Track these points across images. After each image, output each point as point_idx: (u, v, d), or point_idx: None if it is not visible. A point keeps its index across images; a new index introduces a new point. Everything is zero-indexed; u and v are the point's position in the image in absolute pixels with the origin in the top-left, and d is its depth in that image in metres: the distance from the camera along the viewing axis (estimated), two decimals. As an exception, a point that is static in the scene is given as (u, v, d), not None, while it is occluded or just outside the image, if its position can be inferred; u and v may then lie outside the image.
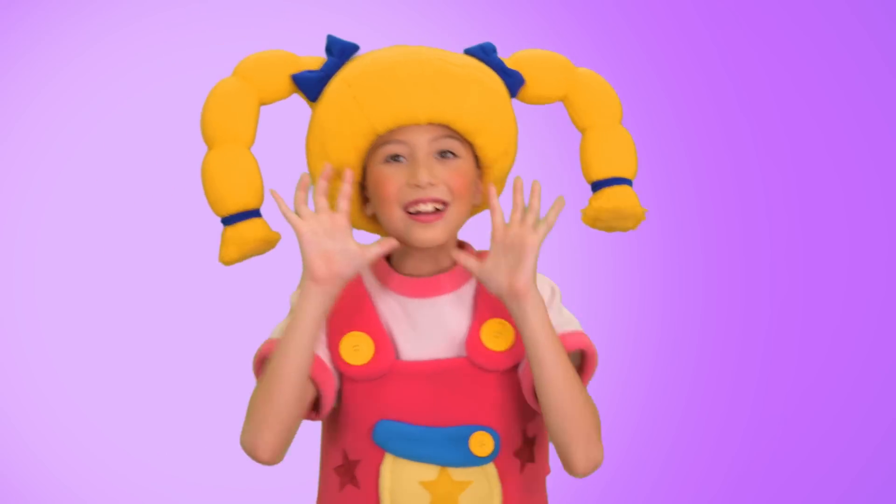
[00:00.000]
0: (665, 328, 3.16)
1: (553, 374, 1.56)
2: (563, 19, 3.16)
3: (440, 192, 1.60)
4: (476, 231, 1.72)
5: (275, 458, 1.60)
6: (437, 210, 1.60)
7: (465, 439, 1.62)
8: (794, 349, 3.18)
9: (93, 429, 3.18)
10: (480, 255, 1.66)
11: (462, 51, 1.70)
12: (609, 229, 1.74)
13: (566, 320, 1.66)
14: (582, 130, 1.73)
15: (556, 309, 1.65)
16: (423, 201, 1.59)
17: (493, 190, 1.61)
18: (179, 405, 3.18)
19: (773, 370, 3.18)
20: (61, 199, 3.22)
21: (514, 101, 1.72)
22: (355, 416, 1.65)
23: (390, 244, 1.60)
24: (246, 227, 1.65)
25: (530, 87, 1.71)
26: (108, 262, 3.22)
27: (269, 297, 3.24)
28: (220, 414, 3.17)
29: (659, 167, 3.14)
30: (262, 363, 1.68)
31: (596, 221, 1.72)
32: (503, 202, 1.63)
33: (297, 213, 1.58)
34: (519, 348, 1.63)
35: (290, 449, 1.64)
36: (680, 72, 3.16)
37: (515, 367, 1.64)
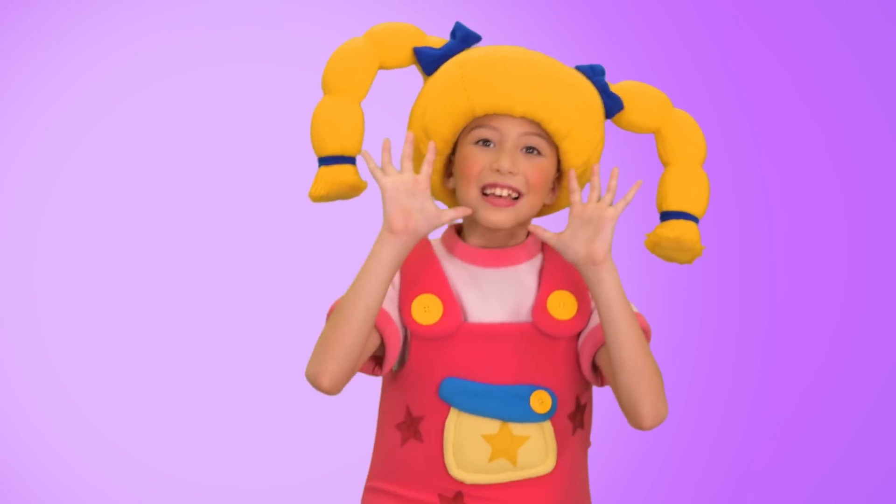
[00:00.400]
0: (665, 328, 3.16)
1: (627, 335, 1.68)
2: (563, 19, 3.16)
3: (517, 182, 1.71)
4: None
5: (335, 388, 1.69)
6: (512, 198, 1.71)
7: (527, 397, 1.73)
8: (794, 349, 3.18)
9: (93, 429, 3.18)
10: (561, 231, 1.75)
11: (574, 66, 1.80)
12: (666, 258, 1.85)
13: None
14: (665, 164, 1.85)
15: None
16: (501, 186, 1.71)
17: (573, 173, 1.71)
18: (179, 405, 3.18)
19: (773, 370, 3.18)
20: (61, 199, 3.22)
21: (610, 123, 1.83)
22: (422, 373, 1.75)
23: (465, 210, 1.71)
24: (339, 170, 1.75)
25: (628, 114, 1.83)
26: (107, 261, 3.22)
27: (270, 296, 3.24)
28: (220, 414, 3.17)
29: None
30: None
31: (656, 247, 1.83)
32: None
33: (383, 170, 1.68)
34: (580, 319, 1.75)
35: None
36: (680, 72, 3.16)
37: (575, 337, 1.76)
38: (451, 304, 1.74)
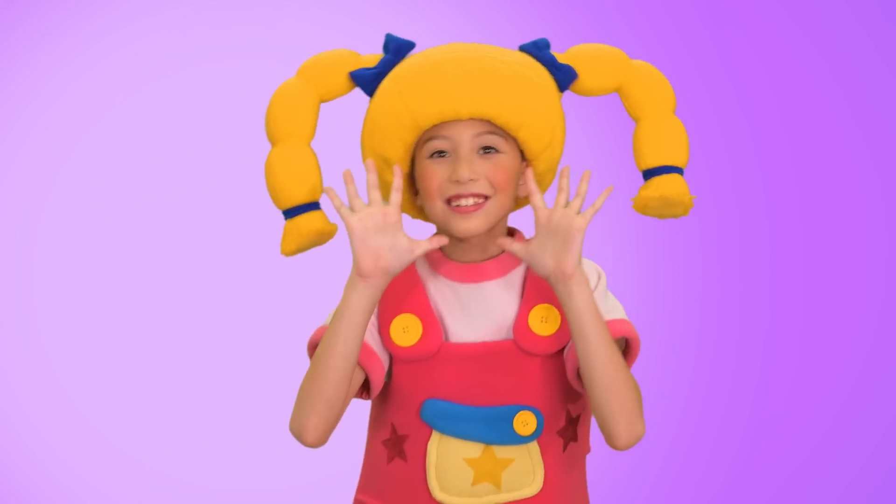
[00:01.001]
0: (665, 328, 3.16)
1: (597, 351, 1.62)
2: (563, 19, 3.16)
3: (481, 187, 1.65)
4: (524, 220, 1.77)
5: (320, 442, 1.67)
6: (478, 203, 1.65)
7: (510, 419, 1.68)
8: (794, 349, 3.18)
9: (93, 429, 3.18)
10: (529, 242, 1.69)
11: (517, 47, 1.74)
12: (660, 216, 1.77)
13: (611, 307, 1.71)
14: (636, 120, 1.76)
15: (601, 294, 1.70)
16: (464, 196, 1.65)
17: (530, 173, 1.66)
18: (179, 405, 3.18)
19: (773, 370, 3.18)
20: (61, 199, 3.22)
21: (571, 93, 1.76)
22: (404, 394, 1.71)
23: (440, 241, 1.66)
24: (304, 220, 1.71)
25: (585, 80, 1.75)
26: (108, 262, 3.22)
27: (270, 296, 3.24)
28: (220, 414, 3.17)
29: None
30: (314, 349, 1.72)
31: (645, 209, 1.75)
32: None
33: (350, 206, 1.63)
34: (564, 333, 1.68)
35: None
36: (680, 72, 3.16)
37: (561, 351, 1.70)
38: (431, 324, 1.69)
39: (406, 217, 1.73)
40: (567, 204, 1.62)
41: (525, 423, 1.68)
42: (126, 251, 3.21)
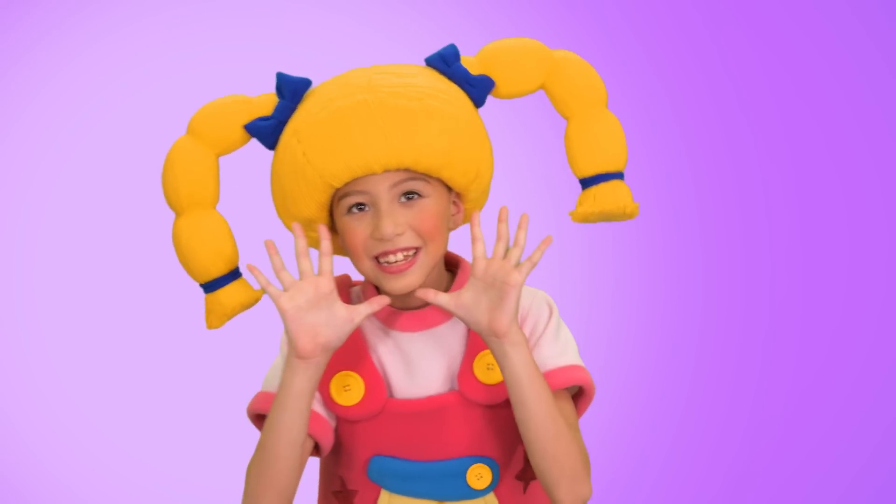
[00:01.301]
0: (665, 328, 3.16)
1: (536, 416, 1.50)
2: (563, 19, 3.16)
3: (408, 240, 1.51)
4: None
5: None
6: (408, 257, 1.52)
7: (462, 473, 1.57)
8: (794, 349, 3.18)
9: (93, 429, 3.18)
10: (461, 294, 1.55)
11: (424, 60, 1.60)
12: (603, 221, 1.63)
13: (562, 348, 1.59)
14: (566, 119, 1.61)
15: (552, 332, 1.59)
16: (392, 252, 1.51)
17: (476, 218, 1.52)
18: (179, 405, 3.18)
19: (773, 370, 3.18)
20: (61, 199, 3.21)
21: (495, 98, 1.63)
22: (350, 452, 1.61)
23: (381, 302, 1.53)
24: (225, 295, 1.62)
25: (503, 86, 1.59)
26: (107, 262, 3.22)
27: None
28: (220, 414, 3.17)
29: (659, 167, 3.13)
30: (257, 418, 1.63)
31: (586, 221, 1.61)
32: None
33: (279, 279, 1.51)
34: None
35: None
36: (680, 72, 3.16)
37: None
38: (374, 381, 1.56)
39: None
40: (506, 254, 1.49)
41: (479, 476, 1.58)
42: (126, 251, 3.21)
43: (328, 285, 1.49)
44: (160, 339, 3.21)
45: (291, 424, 1.51)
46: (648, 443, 3.10)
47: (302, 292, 1.49)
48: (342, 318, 1.49)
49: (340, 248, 1.61)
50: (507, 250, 1.50)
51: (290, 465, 1.52)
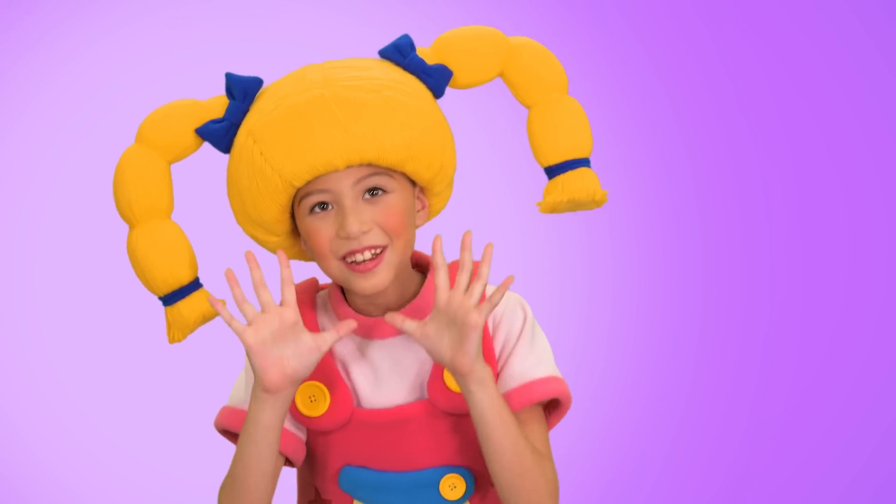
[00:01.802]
0: (665, 328, 3.16)
1: (500, 452, 1.45)
2: (563, 19, 3.16)
3: (374, 238, 1.46)
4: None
5: None
6: (375, 255, 1.47)
7: (435, 484, 1.53)
8: (793, 349, 3.18)
9: (93, 429, 3.18)
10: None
11: (377, 52, 1.56)
12: (572, 211, 1.58)
13: (537, 358, 1.54)
14: (527, 108, 1.57)
15: (527, 340, 1.54)
16: (359, 251, 1.46)
17: (437, 245, 1.45)
18: (180, 405, 3.18)
19: (773, 370, 3.18)
20: (61, 199, 3.21)
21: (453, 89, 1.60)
22: (322, 462, 1.57)
23: (347, 327, 1.48)
24: (186, 307, 1.58)
25: (461, 75, 1.55)
26: (107, 262, 3.22)
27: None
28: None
29: (659, 167, 3.13)
30: (226, 434, 1.60)
31: (554, 211, 1.56)
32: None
33: (241, 311, 1.46)
34: None
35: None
36: (680, 72, 3.16)
37: None
38: (340, 391, 1.51)
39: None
40: (468, 287, 1.42)
41: (453, 486, 1.52)
42: (126, 251, 3.21)
43: (293, 316, 1.45)
44: (160, 339, 3.20)
45: (261, 457, 1.47)
46: (648, 443, 3.10)
47: (266, 324, 1.45)
48: (309, 348, 1.45)
49: (303, 252, 1.58)
50: (468, 283, 1.44)
51: (261, 493, 1.50)
